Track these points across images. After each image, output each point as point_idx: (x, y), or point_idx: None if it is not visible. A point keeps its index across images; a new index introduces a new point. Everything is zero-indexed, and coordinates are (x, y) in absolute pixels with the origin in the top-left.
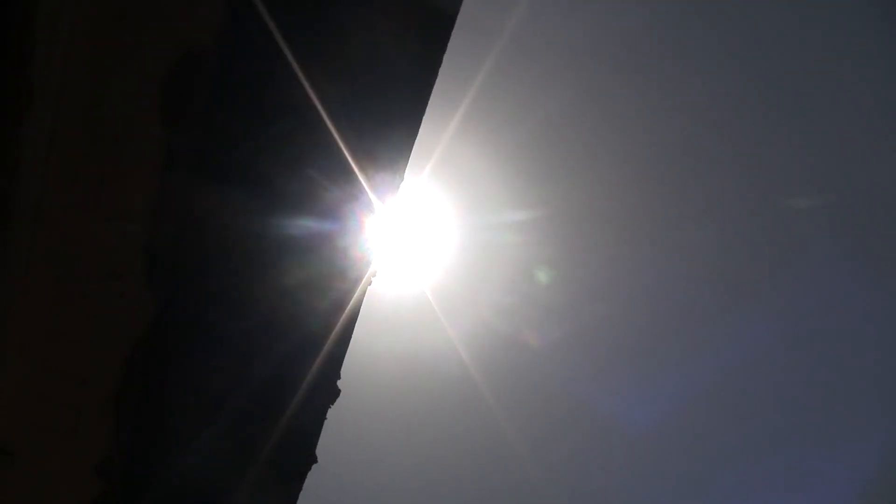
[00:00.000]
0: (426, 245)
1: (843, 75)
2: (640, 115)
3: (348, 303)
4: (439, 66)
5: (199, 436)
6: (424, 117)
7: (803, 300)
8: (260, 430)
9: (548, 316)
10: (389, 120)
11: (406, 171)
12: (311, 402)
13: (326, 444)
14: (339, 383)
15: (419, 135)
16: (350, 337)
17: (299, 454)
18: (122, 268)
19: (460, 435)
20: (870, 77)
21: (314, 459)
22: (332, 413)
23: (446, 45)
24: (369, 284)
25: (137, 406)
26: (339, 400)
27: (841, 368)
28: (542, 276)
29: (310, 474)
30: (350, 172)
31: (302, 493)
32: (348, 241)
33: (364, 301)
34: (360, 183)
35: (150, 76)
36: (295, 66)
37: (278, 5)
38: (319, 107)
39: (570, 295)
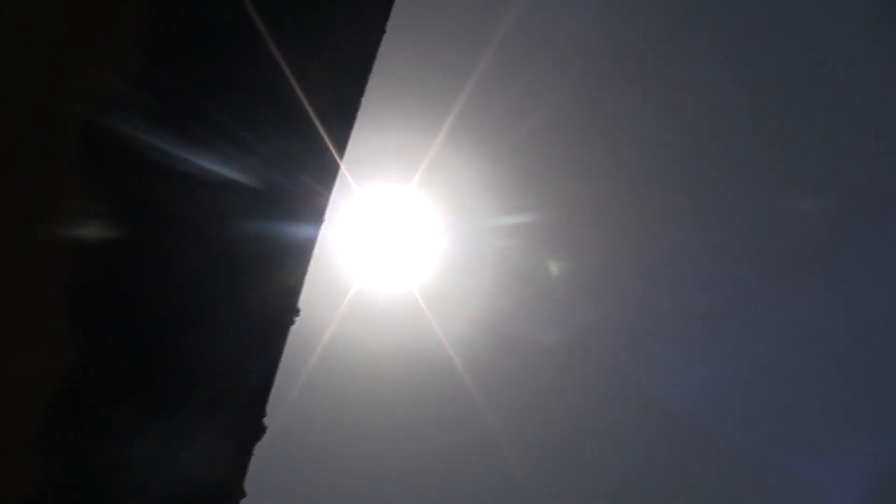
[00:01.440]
0: (415, 247)
1: (842, 76)
2: (635, 119)
3: (272, 343)
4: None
5: (128, 471)
6: (415, 123)
7: (812, 302)
8: (187, 466)
9: (533, 315)
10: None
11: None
12: (236, 440)
13: (319, 437)
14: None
15: (410, 141)
16: (274, 375)
17: (228, 490)
18: (44, 307)
19: (445, 424)
20: (871, 78)
21: (243, 494)
22: (325, 406)
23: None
24: (291, 325)
25: (65, 441)
26: (333, 394)
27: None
28: (553, 268)
29: (306, 467)
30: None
31: (301, 481)
32: (278, 270)
33: (349, 306)
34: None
35: (68, 124)
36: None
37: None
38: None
39: (557, 296)
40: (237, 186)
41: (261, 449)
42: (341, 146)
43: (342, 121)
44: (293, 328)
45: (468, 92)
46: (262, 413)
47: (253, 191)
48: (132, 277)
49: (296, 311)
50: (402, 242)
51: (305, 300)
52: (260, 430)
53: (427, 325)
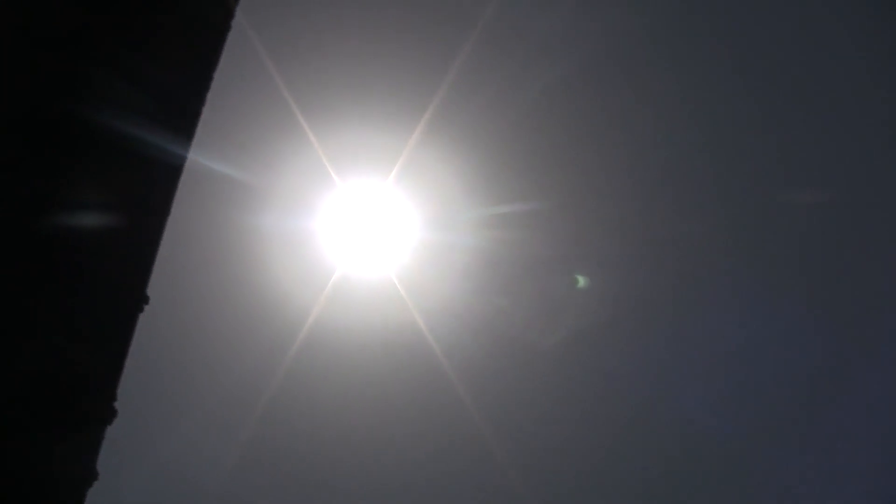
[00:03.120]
0: (394, 237)
1: (842, 75)
2: (618, 113)
3: (121, 329)
4: None
5: None
6: (397, 124)
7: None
8: (39, 448)
9: (508, 301)
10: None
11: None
12: (89, 423)
13: (302, 423)
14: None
15: (389, 135)
16: (123, 361)
17: (79, 471)
18: None
19: (418, 397)
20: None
21: (95, 476)
22: (310, 381)
23: None
24: (140, 311)
25: None
26: (317, 370)
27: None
28: (581, 281)
29: (287, 452)
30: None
31: (286, 458)
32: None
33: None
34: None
35: None
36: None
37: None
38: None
39: (532, 284)
40: (79, 170)
41: (249, 427)
42: (185, 137)
43: (183, 116)
44: (285, 314)
45: (446, 87)
46: (113, 398)
47: (100, 177)
48: None
49: (145, 299)
50: (381, 233)
51: (292, 286)
52: (111, 414)
53: (404, 308)
